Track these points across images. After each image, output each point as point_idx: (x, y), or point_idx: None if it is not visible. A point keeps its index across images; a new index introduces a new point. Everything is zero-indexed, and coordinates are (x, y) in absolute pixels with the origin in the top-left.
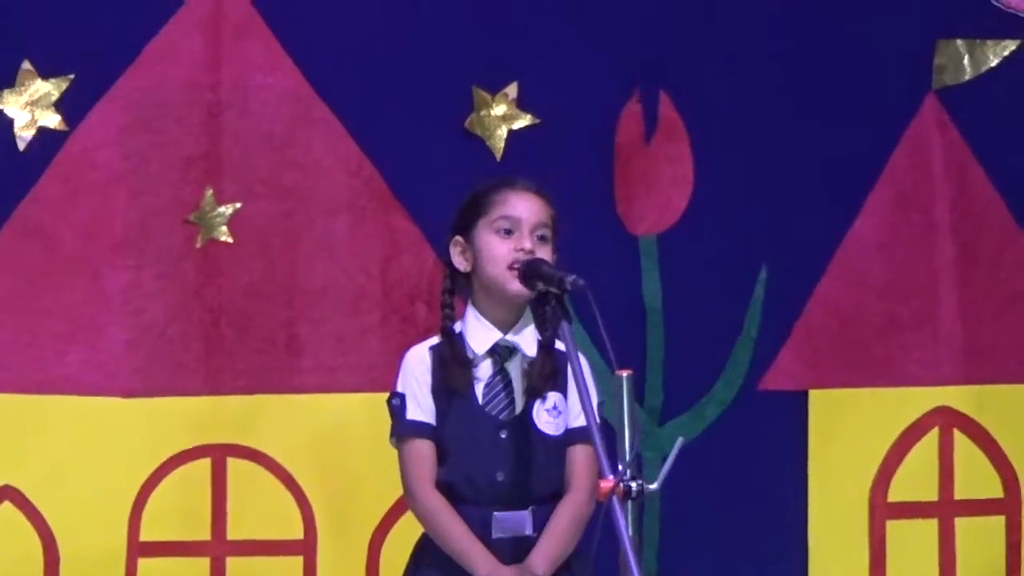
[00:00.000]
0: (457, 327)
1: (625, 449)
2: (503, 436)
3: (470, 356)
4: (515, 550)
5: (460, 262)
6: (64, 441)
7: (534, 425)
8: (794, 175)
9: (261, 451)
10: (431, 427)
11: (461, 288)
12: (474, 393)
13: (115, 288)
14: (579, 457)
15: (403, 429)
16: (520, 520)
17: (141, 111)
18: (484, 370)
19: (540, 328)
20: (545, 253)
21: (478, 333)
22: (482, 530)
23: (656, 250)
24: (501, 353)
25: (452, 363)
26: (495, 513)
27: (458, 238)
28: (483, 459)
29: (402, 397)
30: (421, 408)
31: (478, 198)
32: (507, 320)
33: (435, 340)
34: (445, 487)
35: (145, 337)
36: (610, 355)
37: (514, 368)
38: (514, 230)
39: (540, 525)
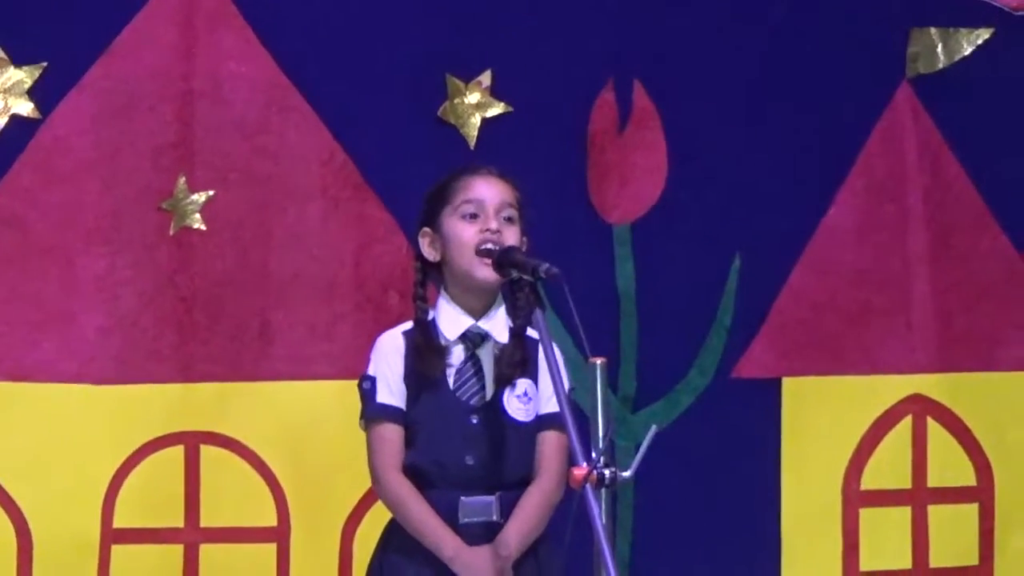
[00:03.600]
0: (429, 314)
1: (598, 437)
2: (473, 421)
3: (442, 343)
4: (483, 536)
5: (429, 252)
6: (37, 428)
7: (504, 411)
8: (768, 164)
9: (234, 438)
10: (400, 411)
11: (433, 278)
12: (445, 378)
13: (88, 276)
14: (549, 443)
15: (372, 412)
16: (487, 505)
17: (114, 99)
18: (456, 356)
19: (512, 314)
20: (512, 234)
21: (450, 319)
22: (449, 515)
23: (630, 238)
24: (473, 339)
25: (425, 350)
26: (462, 498)
27: (426, 229)
28: (453, 443)
29: (373, 380)
30: (391, 392)
31: (442, 187)
32: (478, 307)
33: (408, 325)
34: (413, 471)
35: (118, 325)
36: (584, 343)
37: (485, 354)
38: (479, 213)
39: (507, 511)
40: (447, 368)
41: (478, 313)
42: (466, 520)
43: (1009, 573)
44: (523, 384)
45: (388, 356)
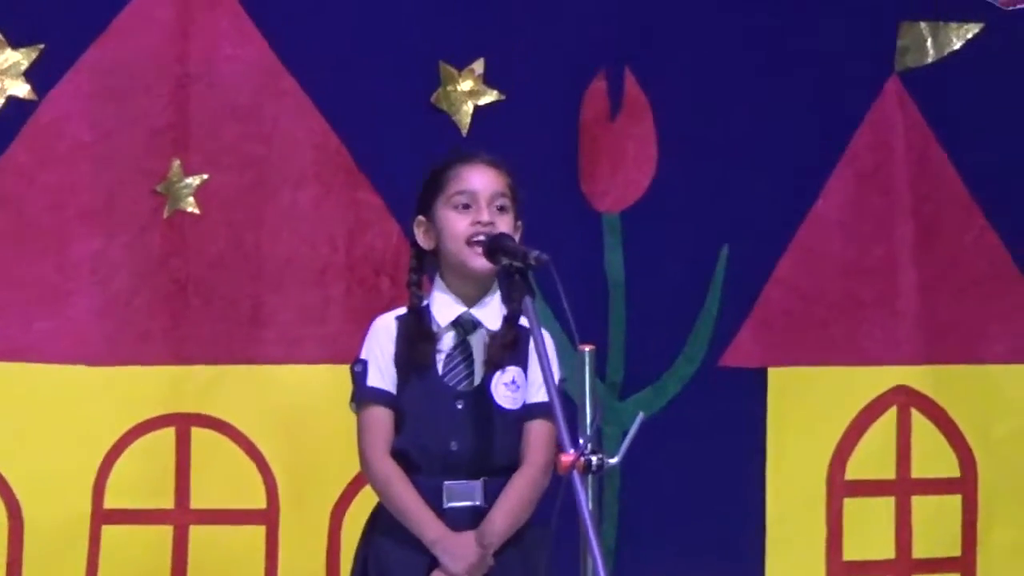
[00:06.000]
0: (423, 301)
1: (586, 423)
2: (459, 406)
3: (435, 329)
4: (468, 521)
5: (424, 241)
6: (30, 408)
7: (491, 398)
8: (757, 154)
9: (225, 421)
10: (391, 395)
11: (428, 265)
12: (435, 364)
13: (82, 257)
14: (536, 431)
15: (362, 395)
16: (471, 490)
17: (110, 81)
18: (447, 342)
19: (507, 302)
20: (505, 222)
21: (443, 306)
22: (434, 499)
23: (619, 227)
24: (465, 326)
25: (416, 336)
26: (446, 482)
27: (420, 217)
28: (438, 428)
29: (364, 364)
30: (383, 376)
31: (434, 176)
32: (472, 295)
33: (402, 310)
34: (400, 455)
35: (111, 306)
36: (573, 330)
37: (476, 341)
38: (471, 204)
39: (492, 496)
40: (437, 354)
41: (472, 300)
42: (451, 504)
43: (991, 565)
44: (512, 372)
45: (380, 340)
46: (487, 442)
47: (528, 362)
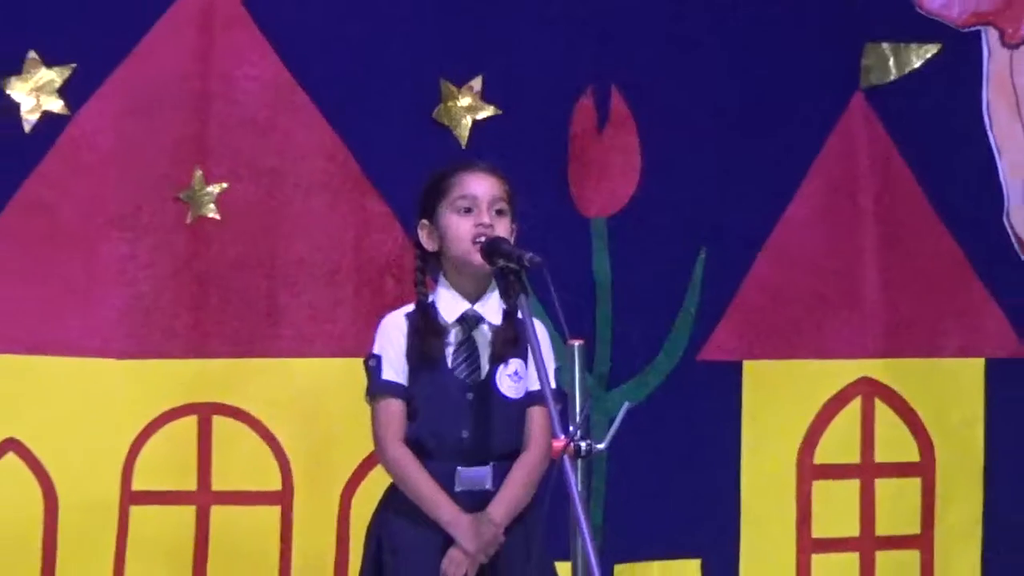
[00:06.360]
0: (429, 298)
1: (576, 412)
2: (469, 397)
3: (442, 324)
4: (476, 503)
5: (428, 243)
6: (64, 398)
7: (496, 388)
8: (733, 165)
9: (243, 410)
10: (403, 387)
11: (431, 266)
12: (444, 358)
13: (111, 260)
14: (536, 418)
15: (377, 388)
16: (481, 475)
17: (137, 98)
18: (453, 337)
19: (505, 298)
20: (503, 225)
21: (448, 304)
22: (446, 484)
23: (606, 231)
24: (469, 321)
25: (426, 332)
26: (458, 468)
27: (424, 221)
28: (450, 418)
29: (378, 359)
30: (395, 369)
31: (437, 182)
32: (474, 292)
33: (410, 307)
34: (414, 443)
35: (138, 304)
36: (563, 326)
37: (480, 335)
38: (473, 208)
39: (500, 480)
40: (446, 348)
41: (473, 297)
42: (462, 488)
43: (947, 542)
44: (514, 363)
45: (391, 336)
46: (494, 430)
47: (528, 354)
